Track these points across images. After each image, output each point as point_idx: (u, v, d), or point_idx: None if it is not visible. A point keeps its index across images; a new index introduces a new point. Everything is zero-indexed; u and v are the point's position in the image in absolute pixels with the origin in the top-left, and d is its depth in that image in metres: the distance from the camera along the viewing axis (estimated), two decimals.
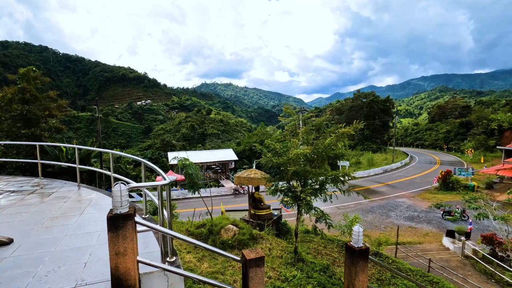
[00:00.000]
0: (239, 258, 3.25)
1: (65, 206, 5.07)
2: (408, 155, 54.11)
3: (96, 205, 5.11)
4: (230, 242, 6.55)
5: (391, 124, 64.87)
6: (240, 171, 10.77)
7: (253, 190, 10.72)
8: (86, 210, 4.83)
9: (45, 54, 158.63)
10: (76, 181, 6.74)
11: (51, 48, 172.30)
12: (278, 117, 6.98)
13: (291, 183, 6.13)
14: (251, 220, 9.97)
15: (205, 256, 5.77)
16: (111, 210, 2.56)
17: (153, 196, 3.91)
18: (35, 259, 3.14)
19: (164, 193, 3.17)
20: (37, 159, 7.21)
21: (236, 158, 38.13)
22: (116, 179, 5.71)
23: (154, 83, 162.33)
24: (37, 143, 7.49)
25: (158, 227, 2.82)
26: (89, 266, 3.00)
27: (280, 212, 11.85)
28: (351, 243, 4.03)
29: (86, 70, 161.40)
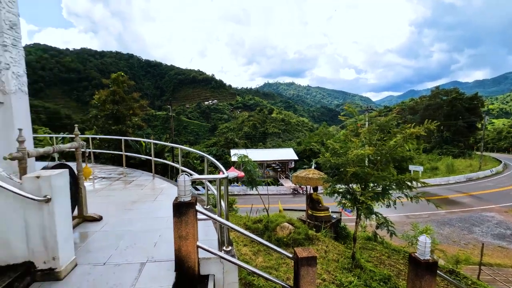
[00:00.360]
0: (291, 255, 3.28)
1: (142, 192, 5.82)
2: (501, 162, 45.79)
3: (166, 194, 5.73)
4: (285, 239, 6.60)
5: (479, 126, 55.65)
6: (299, 171, 10.71)
7: (312, 191, 10.54)
8: (158, 197, 5.47)
9: (131, 61, 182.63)
10: (151, 172, 7.65)
11: (136, 56, 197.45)
12: (339, 116, 6.70)
13: (350, 185, 5.83)
14: (308, 220, 9.83)
15: (260, 250, 5.94)
16: (176, 198, 2.86)
17: (213, 189, 4.20)
18: (117, 235, 3.71)
19: (223, 187, 3.39)
20: (122, 152, 8.45)
21: (296, 157, 37.88)
22: (183, 172, 6.30)
23: (220, 84, 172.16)
24: (122, 138, 8.75)
25: (215, 217, 3.04)
26: (158, 246, 3.41)
27: (340, 216, 11.39)
28: (416, 254, 3.66)
29: (163, 73, 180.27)
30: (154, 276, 2.81)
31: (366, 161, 5.85)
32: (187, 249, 2.86)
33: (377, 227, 5.80)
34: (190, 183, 2.89)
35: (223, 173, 3.52)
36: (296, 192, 27.89)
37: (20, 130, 3.00)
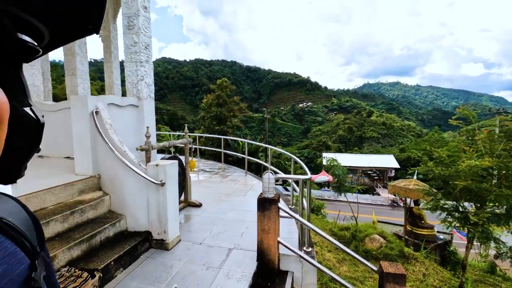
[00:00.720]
0: (376, 268, 3.05)
1: (235, 187, 6.43)
2: None
3: (256, 190, 6.16)
4: (374, 252, 6.08)
5: None
6: (399, 180, 9.61)
7: (412, 204, 9.31)
8: (248, 192, 5.94)
9: (234, 67, 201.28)
10: (245, 169, 8.33)
11: (238, 62, 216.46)
12: (449, 120, 5.64)
13: (459, 202, 4.84)
14: (405, 237, 8.72)
15: (345, 259, 5.67)
16: (261, 193, 3.09)
17: (297, 188, 4.29)
18: (212, 221, 4.26)
19: (306, 188, 3.45)
20: (221, 149, 9.51)
21: (397, 165, 33.87)
22: (273, 171, 6.62)
23: (315, 86, 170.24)
24: (222, 137, 9.84)
25: (296, 216, 3.13)
26: (244, 236, 3.74)
27: (451, 238, 9.63)
28: None
29: (260, 78, 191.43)
30: (239, 262, 3.12)
31: (479, 174, 4.74)
32: (269, 242, 3.05)
33: (496, 257, 4.66)
34: (274, 180, 3.07)
35: (308, 175, 3.57)
36: (395, 205, 24.94)
37: (147, 127, 3.83)
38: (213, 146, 22.98)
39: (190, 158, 5.14)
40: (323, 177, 15.82)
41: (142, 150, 3.67)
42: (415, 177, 10.05)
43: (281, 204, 3.17)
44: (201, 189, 6.06)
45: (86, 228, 2.97)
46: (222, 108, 26.26)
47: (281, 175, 3.88)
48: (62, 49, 6.13)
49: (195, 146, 11.72)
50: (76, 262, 2.60)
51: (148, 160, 3.65)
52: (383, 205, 25.42)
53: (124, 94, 6.29)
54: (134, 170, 3.26)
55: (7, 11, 0.28)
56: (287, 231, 3.91)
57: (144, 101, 4.43)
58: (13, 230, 0.38)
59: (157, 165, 3.30)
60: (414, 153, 37.85)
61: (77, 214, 3.01)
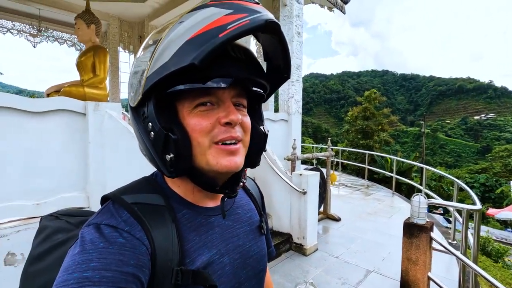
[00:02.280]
0: None
1: (379, 207, 5.94)
2: None
3: (403, 214, 5.45)
4: None
5: None
6: None
7: None
8: (394, 216, 5.35)
9: (385, 77, 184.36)
10: (392, 189, 7.52)
11: (391, 71, 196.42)
12: None
13: None
14: None
15: None
16: (408, 217, 2.79)
17: (460, 219, 3.51)
18: (350, 238, 4.15)
19: (472, 222, 2.80)
20: (365, 165, 8.99)
21: None
22: (427, 195, 5.67)
23: (502, 92, 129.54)
24: (367, 152, 9.29)
25: (455, 252, 2.60)
26: (386, 261, 3.44)
27: None
28: None
29: (419, 86, 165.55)
30: (377, 287, 2.91)
31: None
32: (415, 275, 2.69)
33: None
34: (426, 205, 2.69)
35: (476, 205, 2.89)
36: None
37: (294, 140, 4.26)
38: (357, 161, 21.90)
39: (331, 171, 5.23)
40: (508, 213, 11.82)
41: (288, 160, 4.11)
42: None
43: (436, 234, 2.72)
44: (340, 204, 5.99)
45: None
46: (369, 121, 24.66)
47: (436, 200, 3.30)
48: None
49: (337, 160, 11.62)
50: None
51: (293, 169, 4.04)
52: None
53: (276, 109, 7.18)
54: (281, 177, 3.71)
55: (250, 79, 0.51)
56: (444, 269, 3.28)
57: (292, 116, 4.93)
58: (252, 196, 0.72)
59: (300, 174, 3.61)
60: None
61: None
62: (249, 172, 4.27)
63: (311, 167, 4.84)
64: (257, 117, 0.60)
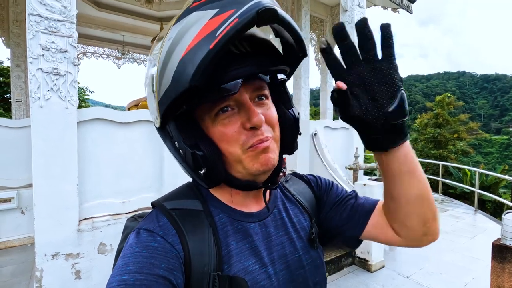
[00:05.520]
0: None
1: (457, 225, 5.22)
2: None
3: (489, 235, 4.67)
4: None
5: None
6: None
7: None
8: (478, 236, 4.63)
9: (461, 79, 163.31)
10: (473, 206, 6.55)
11: (468, 72, 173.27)
12: None
13: None
14: None
15: None
16: (498, 238, 2.40)
17: None
18: (423, 257, 3.73)
19: None
20: (439, 177, 8.02)
21: None
22: None
23: None
24: (440, 163, 8.30)
25: None
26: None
27: None
28: None
29: (506, 88, 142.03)
30: None
31: None
32: None
33: None
34: None
35: None
36: None
37: (356, 148, 4.07)
38: (428, 173, 19.69)
39: None
40: None
41: (350, 169, 3.94)
42: None
43: None
44: None
45: None
46: (442, 129, 22.05)
47: None
48: (292, 84, 7.80)
49: None
50: None
51: (355, 179, 3.85)
52: None
53: (335, 118, 6.98)
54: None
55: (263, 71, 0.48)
56: None
57: None
58: (298, 202, 0.63)
59: (364, 185, 3.42)
60: None
61: None
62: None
63: (375, 177, 4.53)
64: (284, 100, 0.56)
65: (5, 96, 10.49)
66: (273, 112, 0.51)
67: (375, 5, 7.19)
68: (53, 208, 2.19)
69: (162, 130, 0.51)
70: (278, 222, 0.57)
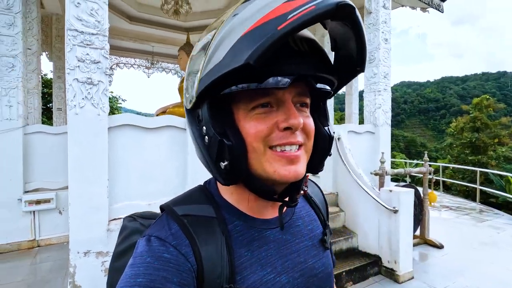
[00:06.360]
0: None
1: (497, 237, 4.82)
2: None
3: None
4: None
5: None
6: None
7: None
8: None
9: (502, 79, 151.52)
10: None
11: (510, 72, 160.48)
12: None
13: None
14: None
15: None
16: None
17: None
18: (458, 270, 3.48)
19: None
20: (477, 185, 7.48)
21: None
22: None
23: None
24: (478, 169, 7.74)
25: None
26: None
27: None
28: None
29: None
30: None
31: None
32: None
33: None
34: None
35: None
36: None
37: (382, 153, 3.93)
38: (464, 181, 18.41)
39: (429, 190, 4.56)
40: None
41: (376, 174, 3.80)
42: None
43: None
44: (443, 229, 5.12)
45: None
46: (480, 134, 20.58)
47: None
48: None
49: (437, 178, 10.04)
50: None
51: (381, 185, 3.71)
52: None
53: (361, 122, 6.79)
54: (367, 192, 3.45)
55: (315, 75, 0.44)
56: None
57: (380, 128, 4.57)
58: (315, 204, 0.65)
59: (390, 190, 3.29)
60: None
61: None
62: (331, 185, 4.14)
63: (404, 184, 4.33)
64: (321, 116, 0.53)
65: (48, 105, 11.41)
66: (311, 122, 0.48)
67: (402, 6, 6.96)
68: (86, 209, 2.35)
69: (192, 112, 0.48)
70: (294, 229, 0.55)
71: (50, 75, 11.83)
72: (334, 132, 0.54)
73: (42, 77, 5.23)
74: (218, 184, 0.54)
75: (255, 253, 0.48)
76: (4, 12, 3.49)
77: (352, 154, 3.96)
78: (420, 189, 4.45)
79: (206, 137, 0.44)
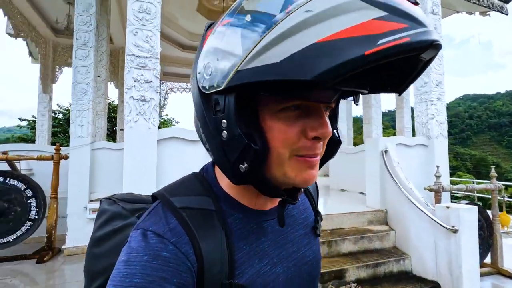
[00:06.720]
0: None
1: None
2: None
3: None
4: None
5: None
6: None
7: None
8: None
9: None
10: None
11: None
12: None
13: None
14: None
15: None
16: None
17: None
18: None
19: None
20: None
21: None
22: None
23: None
24: None
25: None
26: None
27: None
28: None
29: None
30: None
31: None
32: None
33: None
34: None
35: None
36: None
37: (437, 167, 3.57)
38: None
39: (501, 212, 3.96)
40: None
41: (430, 190, 3.45)
42: None
43: None
44: None
45: (372, 255, 3.25)
46: None
47: None
48: (361, 103, 7.45)
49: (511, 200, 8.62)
50: (362, 282, 2.91)
51: (437, 201, 3.35)
52: None
53: (413, 135, 6.30)
54: (420, 209, 3.14)
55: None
56: None
57: (434, 140, 4.19)
58: (308, 191, 0.64)
59: (448, 207, 2.94)
60: None
61: (366, 240, 3.39)
62: (379, 202, 3.87)
63: (466, 202, 3.83)
64: (332, 118, 0.48)
65: (114, 128, 12.95)
66: (331, 128, 0.43)
67: (457, 12, 6.51)
68: None
69: (209, 96, 0.42)
70: (290, 219, 0.55)
71: (116, 102, 13.57)
72: (341, 137, 0.51)
73: (109, 103, 5.99)
74: (217, 173, 0.51)
75: (253, 245, 0.47)
76: (81, 47, 4.17)
77: (401, 168, 3.68)
78: (489, 212, 3.89)
79: (225, 132, 0.39)
